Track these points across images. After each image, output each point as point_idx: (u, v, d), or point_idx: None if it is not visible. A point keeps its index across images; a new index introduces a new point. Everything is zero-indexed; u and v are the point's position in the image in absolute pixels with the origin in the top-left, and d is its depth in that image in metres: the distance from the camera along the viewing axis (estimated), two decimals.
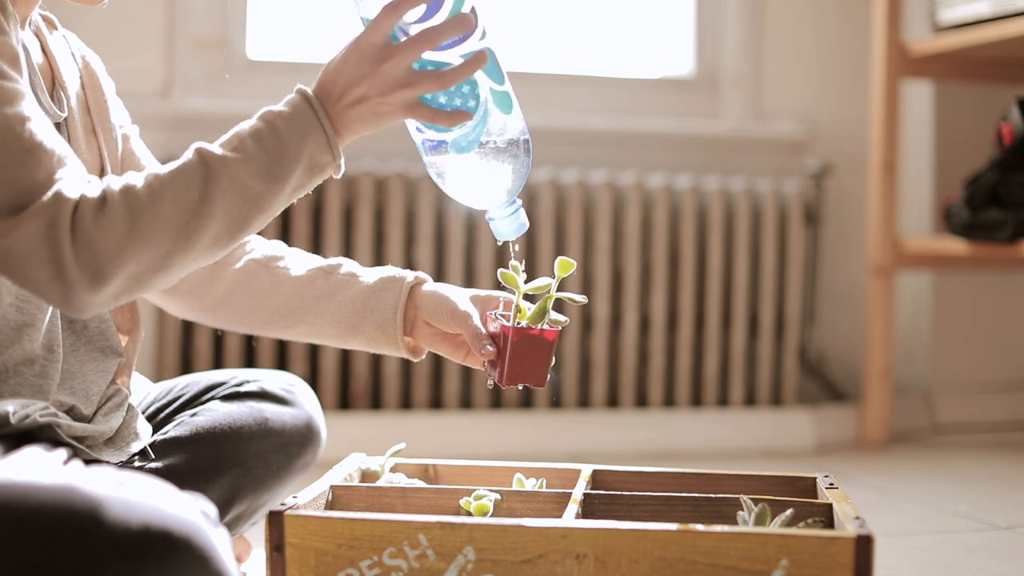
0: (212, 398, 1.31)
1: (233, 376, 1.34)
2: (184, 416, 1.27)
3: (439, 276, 2.38)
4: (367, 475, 1.29)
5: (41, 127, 0.97)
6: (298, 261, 1.28)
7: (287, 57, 2.48)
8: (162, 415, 1.29)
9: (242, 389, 1.32)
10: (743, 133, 2.64)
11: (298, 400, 1.36)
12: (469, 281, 2.38)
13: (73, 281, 0.95)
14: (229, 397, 1.31)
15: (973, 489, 2.04)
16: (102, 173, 1.18)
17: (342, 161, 1.07)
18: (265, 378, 1.35)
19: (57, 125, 1.13)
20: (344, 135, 1.06)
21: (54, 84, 1.14)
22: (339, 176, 1.09)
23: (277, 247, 1.30)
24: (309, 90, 1.06)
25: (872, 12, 2.54)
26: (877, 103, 2.51)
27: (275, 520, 1.04)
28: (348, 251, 2.33)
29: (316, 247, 2.31)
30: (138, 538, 0.82)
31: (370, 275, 1.26)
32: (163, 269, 0.99)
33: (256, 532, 1.42)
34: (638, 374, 2.49)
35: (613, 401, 2.47)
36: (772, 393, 2.56)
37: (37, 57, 1.13)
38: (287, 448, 1.31)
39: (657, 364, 2.47)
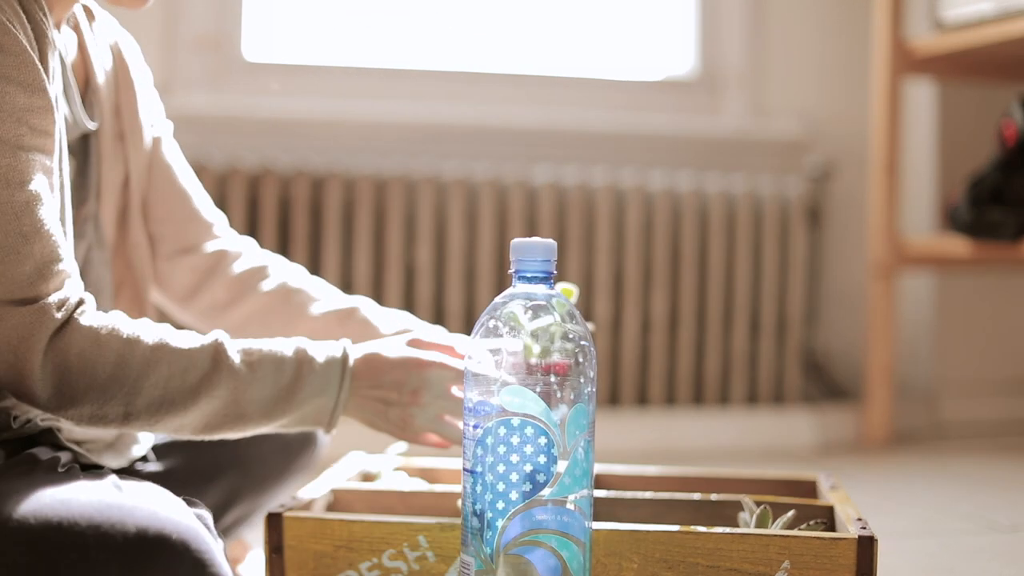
0: None
1: None
2: None
3: (439, 276, 2.37)
4: (367, 476, 1.29)
5: (46, 211, 0.94)
6: (315, 298, 1.25)
7: (286, 58, 2.48)
8: None
9: None
10: (744, 133, 2.63)
11: None
12: (469, 280, 2.38)
13: (32, 392, 0.95)
14: None
15: (975, 490, 2.04)
16: (126, 184, 1.15)
17: (334, 431, 1.08)
18: None
19: (85, 137, 1.10)
20: (349, 413, 1.07)
21: (87, 86, 1.11)
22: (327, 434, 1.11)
23: (297, 277, 1.25)
24: (352, 360, 1.06)
25: (873, 11, 2.53)
26: (879, 102, 2.50)
27: (274, 522, 1.03)
28: (348, 251, 2.32)
29: (316, 247, 2.31)
30: (134, 543, 0.81)
31: (386, 324, 1.23)
32: (117, 424, 0.99)
33: (255, 533, 1.42)
34: (639, 373, 2.48)
35: (614, 400, 2.46)
36: (773, 393, 2.55)
37: (72, 55, 1.10)
38: (286, 449, 1.31)
39: (658, 364, 2.47)
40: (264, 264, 1.25)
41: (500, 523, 0.88)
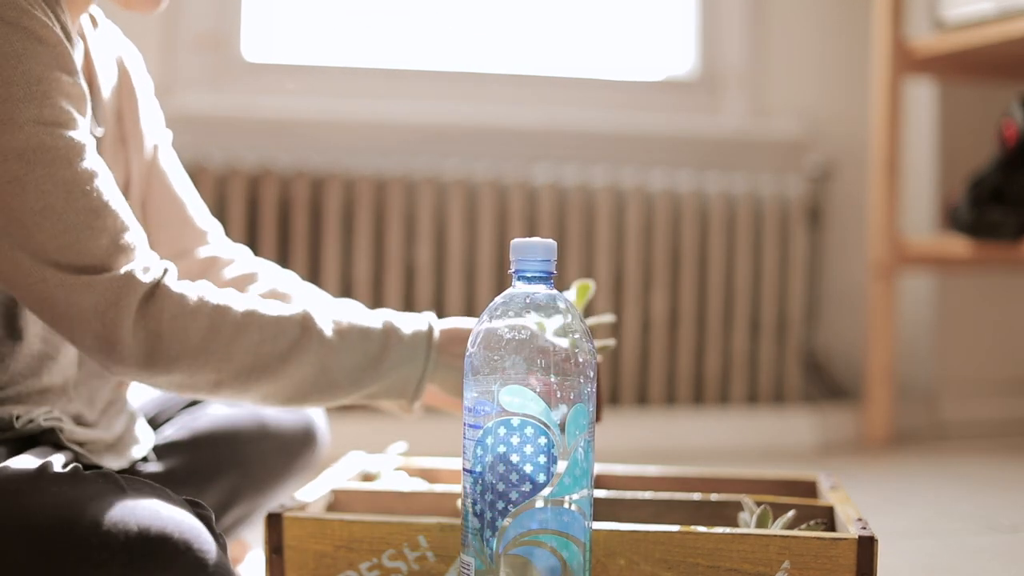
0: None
1: None
2: (184, 417, 1.26)
3: (439, 276, 2.37)
4: (367, 476, 1.29)
5: (107, 185, 0.96)
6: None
7: (286, 58, 2.48)
8: (162, 416, 1.28)
9: None
10: (744, 133, 2.63)
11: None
12: (469, 280, 2.38)
13: (121, 358, 0.95)
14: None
15: (976, 490, 2.04)
16: (127, 188, 1.16)
17: (417, 404, 1.07)
18: None
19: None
20: (435, 382, 1.07)
21: (92, 92, 1.12)
22: (410, 412, 1.09)
23: (287, 282, 1.25)
24: (438, 330, 1.07)
25: (873, 11, 2.53)
26: (879, 102, 2.50)
27: (274, 522, 1.03)
28: (348, 251, 2.32)
29: (316, 247, 2.31)
30: (136, 542, 0.81)
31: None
32: (206, 392, 1.00)
33: (254, 533, 1.41)
34: (639, 373, 2.48)
35: (614, 400, 2.46)
36: (774, 393, 2.55)
37: (80, 61, 1.10)
38: (287, 450, 1.30)
39: (658, 364, 2.47)
40: (255, 271, 1.25)
41: (500, 523, 0.88)
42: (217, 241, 1.25)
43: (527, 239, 0.92)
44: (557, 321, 0.90)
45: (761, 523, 1.07)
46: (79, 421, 1.07)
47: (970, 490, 2.03)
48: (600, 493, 1.15)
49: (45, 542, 0.80)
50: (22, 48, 0.92)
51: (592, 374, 0.91)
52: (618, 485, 1.24)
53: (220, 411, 1.27)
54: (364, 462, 1.29)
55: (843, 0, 2.73)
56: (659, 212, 2.47)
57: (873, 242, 2.52)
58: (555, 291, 0.92)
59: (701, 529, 0.99)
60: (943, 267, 2.65)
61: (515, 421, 0.88)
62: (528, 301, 0.91)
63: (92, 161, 0.96)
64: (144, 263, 0.96)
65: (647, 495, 1.15)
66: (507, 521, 0.88)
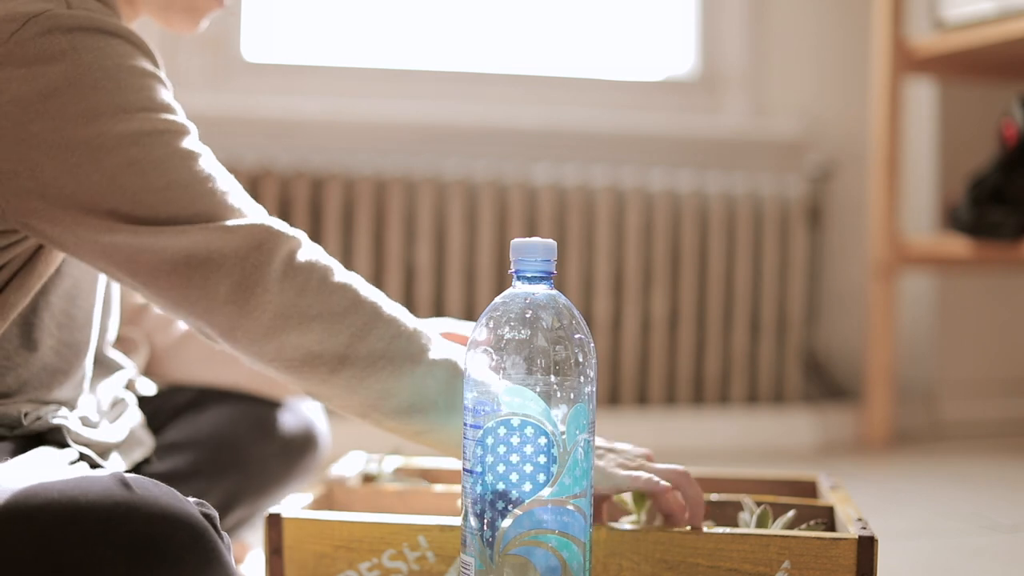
0: (212, 400, 1.30)
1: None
2: (185, 419, 1.26)
3: (439, 276, 2.37)
4: (367, 476, 1.29)
5: (218, 164, 1.00)
6: None
7: (286, 58, 2.48)
8: (159, 418, 1.28)
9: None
10: (744, 133, 2.63)
11: (298, 404, 1.35)
12: (469, 280, 2.38)
13: (254, 309, 0.94)
14: (229, 399, 1.30)
15: (976, 490, 2.04)
16: None
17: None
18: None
19: None
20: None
21: None
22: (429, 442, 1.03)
23: None
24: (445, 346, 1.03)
25: (873, 11, 2.53)
26: (879, 102, 2.50)
27: (273, 523, 1.03)
28: (348, 251, 2.32)
29: None
30: (141, 539, 0.81)
31: None
32: (328, 367, 0.96)
33: (255, 534, 1.41)
34: (639, 373, 2.48)
35: (614, 400, 2.46)
36: (774, 393, 2.55)
37: None
38: (287, 452, 1.30)
39: (658, 364, 2.47)
40: None
41: (500, 523, 0.88)
42: None
43: (527, 239, 0.92)
44: (557, 321, 0.90)
45: (761, 523, 1.07)
46: (85, 422, 1.07)
47: (970, 490, 2.03)
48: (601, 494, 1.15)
49: (49, 537, 0.80)
50: (123, 50, 0.96)
51: (592, 374, 0.91)
52: None
53: (222, 413, 1.27)
54: (364, 462, 1.29)
55: (843, 0, 2.73)
56: (659, 212, 2.47)
57: (873, 242, 2.52)
58: (555, 291, 0.92)
59: (701, 529, 0.99)
60: (943, 267, 2.65)
61: (515, 421, 0.88)
62: (528, 301, 0.91)
63: (199, 143, 0.99)
64: (280, 223, 0.97)
65: None
66: (507, 521, 0.88)
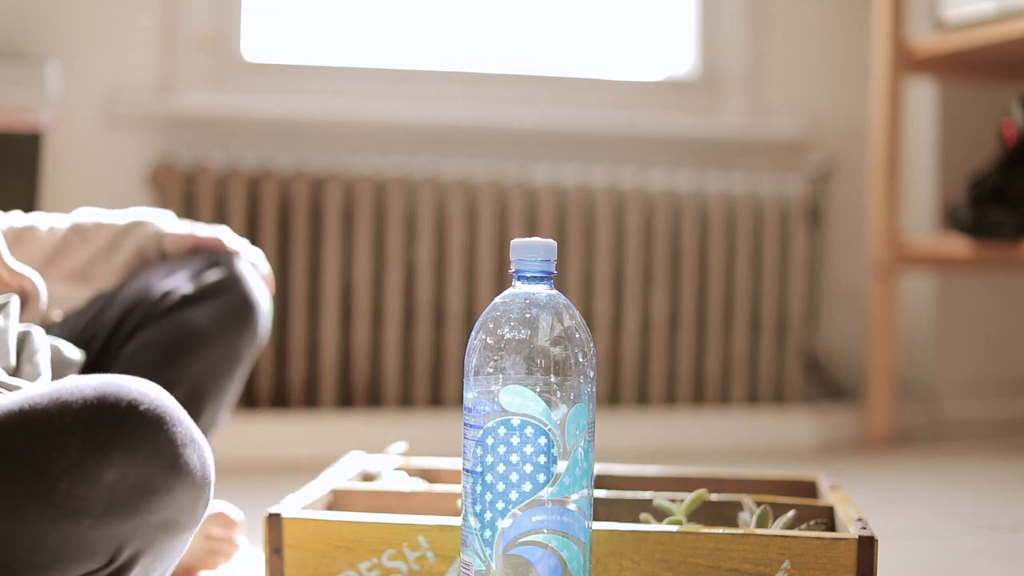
0: (136, 328, 1.29)
1: (149, 291, 1.31)
2: (113, 361, 1.26)
3: (439, 276, 2.37)
4: (367, 476, 1.29)
5: None
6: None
7: (286, 58, 2.47)
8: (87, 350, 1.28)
9: (163, 306, 1.29)
10: (744, 133, 2.63)
11: (224, 285, 1.31)
12: (469, 280, 2.38)
13: None
14: (153, 318, 1.29)
15: (977, 490, 2.04)
16: None
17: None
18: (183, 281, 1.31)
19: None
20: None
21: None
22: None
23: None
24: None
25: (873, 11, 2.53)
26: (879, 102, 2.50)
27: (274, 522, 1.03)
28: (348, 251, 2.32)
29: (316, 247, 2.31)
30: (94, 405, 0.83)
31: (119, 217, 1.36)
32: None
33: (253, 534, 1.42)
34: (639, 373, 2.48)
35: (614, 400, 2.46)
36: (774, 393, 2.55)
37: None
38: (229, 344, 1.30)
39: (658, 364, 2.47)
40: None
41: (500, 523, 0.88)
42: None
43: (527, 239, 0.92)
44: (557, 322, 0.90)
45: (761, 523, 1.07)
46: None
47: (970, 490, 2.03)
48: (600, 493, 1.15)
49: (7, 427, 0.82)
50: None
51: (592, 374, 0.91)
52: (618, 485, 1.24)
53: (150, 343, 1.27)
54: (364, 462, 1.29)
55: (843, 0, 2.73)
56: (659, 212, 2.47)
57: (873, 242, 2.52)
58: (555, 291, 0.92)
59: (701, 529, 0.99)
60: (943, 267, 2.65)
61: (515, 421, 0.88)
62: (528, 302, 0.91)
63: None
64: None
65: (647, 495, 1.15)
66: (507, 521, 0.88)
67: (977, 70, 2.55)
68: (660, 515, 1.11)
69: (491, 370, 0.89)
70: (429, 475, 1.28)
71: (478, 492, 0.89)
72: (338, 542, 1.02)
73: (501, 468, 0.88)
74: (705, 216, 2.51)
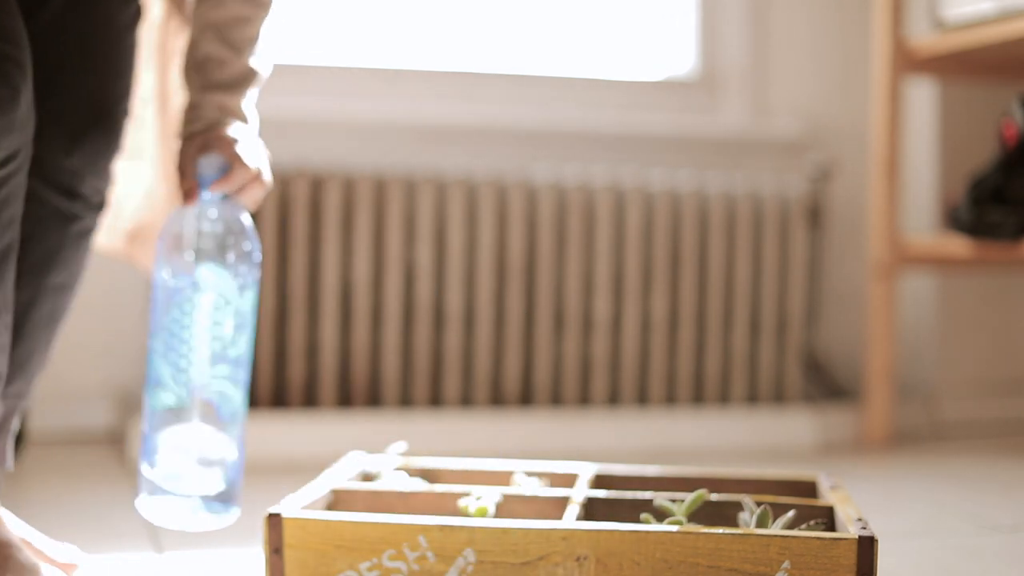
0: None
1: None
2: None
3: (439, 276, 2.37)
4: (367, 476, 1.29)
5: None
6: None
7: (286, 58, 2.48)
8: None
9: None
10: (744, 133, 2.63)
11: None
12: (469, 280, 2.38)
13: None
14: None
15: (977, 490, 2.04)
16: None
17: None
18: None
19: None
20: None
21: None
22: None
23: None
24: None
25: (873, 11, 2.53)
26: (879, 102, 2.50)
27: (274, 522, 1.03)
28: (348, 251, 2.32)
29: (315, 247, 2.31)
30: None
31: None
32: None
33: (251, 534, 1.42)
34: (639, 373, 2.48)
35: (614, 399, 2.46)
36: (774, 393, 2.55)
37: None
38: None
39: (658, 364, 2.47)
40: None
41: (191, 372, 1.11)
42: None
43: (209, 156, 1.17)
44: (235, 218, 1.16)
45: (761, 523, 1.07)
46: None
47: (970, 490, 2.03)
48: (600, 493, 1.15)
49: None
50: None
51: (258, 261, 1.16)
52: (618, 485, 1.24)
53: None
54: (364, 462, 1.29)
55: (843, 0, 2.73)
56: (659, 212, 2.47)
57: (873, 242, 2.52)
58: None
59: (701, 529, 0.99)
60: (943, 267, 2.65)
61: (206, 292, 1.12)
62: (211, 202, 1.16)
63: None
64: None
65: (647, 495, 1.15)
66: (198, 370, 1.12)
67: (977, 70, 2.55)
68: (660, 515, 1.11)
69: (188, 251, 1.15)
70: (429, 475, 1.29)
71: (172, 347, 1.13)
72: (338, 542, 1.02)
73: (195, 329, 1.13)
74: (705, 216, 2.51)
